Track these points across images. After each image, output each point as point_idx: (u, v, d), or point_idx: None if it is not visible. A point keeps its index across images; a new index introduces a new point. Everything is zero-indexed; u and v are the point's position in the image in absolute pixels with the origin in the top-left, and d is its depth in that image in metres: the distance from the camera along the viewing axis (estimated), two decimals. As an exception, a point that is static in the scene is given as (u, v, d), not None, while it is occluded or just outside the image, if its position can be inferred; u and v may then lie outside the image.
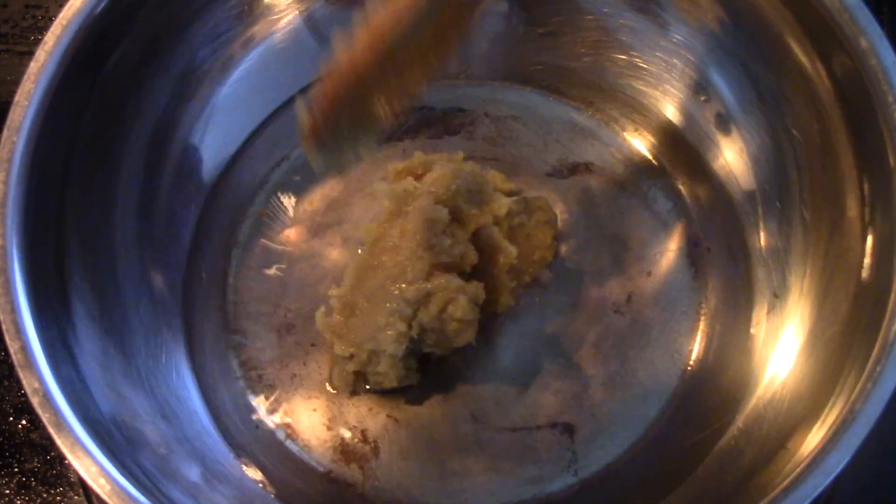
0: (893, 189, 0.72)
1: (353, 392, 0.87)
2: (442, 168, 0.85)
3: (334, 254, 0.93)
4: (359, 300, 0.81)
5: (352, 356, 0.82)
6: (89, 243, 0.80)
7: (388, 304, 0.79)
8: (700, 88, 0.93)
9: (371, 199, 0.95)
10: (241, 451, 0.85)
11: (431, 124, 0.99)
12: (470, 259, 0.82)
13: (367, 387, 0.86)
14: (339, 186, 0.96)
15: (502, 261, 0.83)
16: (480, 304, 0.82)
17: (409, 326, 0.80)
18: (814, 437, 0.69)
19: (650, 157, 0.98)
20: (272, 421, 0.88)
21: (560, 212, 0.94)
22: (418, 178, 0.89)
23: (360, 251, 0.85)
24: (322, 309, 0.85)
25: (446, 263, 0.81)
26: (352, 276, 0.82)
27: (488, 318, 0.87)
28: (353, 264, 0.84)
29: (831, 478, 0.66)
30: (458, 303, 0.80)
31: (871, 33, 0.73)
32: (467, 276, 0.83)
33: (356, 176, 0.97)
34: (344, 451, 0.86)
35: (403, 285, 0.80)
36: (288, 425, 0.87)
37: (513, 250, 0.83)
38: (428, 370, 0.87)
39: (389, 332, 0.79)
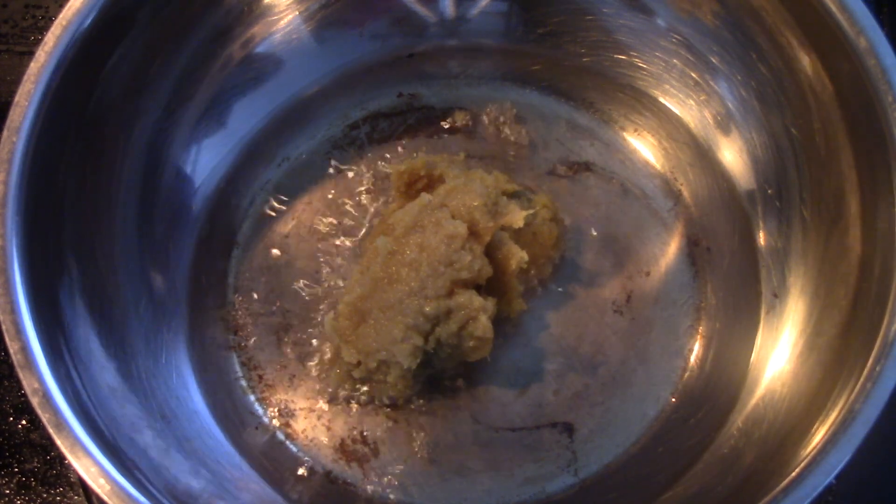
0: (893, 189, 0.72)
1: (348, 399, 0.87)
2: (454, 181, 0.85)
3: (334, 254, 0.93)
4: (372, 309, 0.81)
5: (359, 363, 0.82)
6: (89, 244, 0.80)
7: (406, 318, 0.79)
8: (700, 88, 0.93)
9: (371, 198, 0.95)
10: (240, 451, 0.85)
11: (431, 124, 0.99)
12: (486, 273, 0.82)
13: (366, 395, 0.87)
14: (338, 186, 0.96)
15: (514, 265, 0.83)
16: (493, 318, 0.83)
17: (426, 341, 0.80)
18: (813, 437, 0.69)
19: (650, 157, 0.98)
20: (272, 421, 0.88)
21: (560, 211, 0.94)
22: (419, 179, 0.89)
23: (366, 257, 0.85)
24: (332, 313, 0.85)
25: (465, 280, 0.81)
26: (362, 284, 0.82)
27: (501, 324, 0.87)
28: (359, 269, 0.84)
29: (831, 477, 0.66)
30: (479, 321, 0.80)
31: (871, 33, 0.73)
32: (480, 287, 0.83)
33: (355, 176, 0.97)
34: (344, 451, 0.86)
35: (423, 300, 0.80)
36: (288, 425, 0.88)
37: (524, 255, 0.83)
38: (431, 379, 0.87)
39: (405, 346, 0.79)
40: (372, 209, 0.95)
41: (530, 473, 0.86)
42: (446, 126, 0.99)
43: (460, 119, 0.98)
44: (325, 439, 0.87)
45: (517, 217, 0.83)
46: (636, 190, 0.96)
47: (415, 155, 0.96)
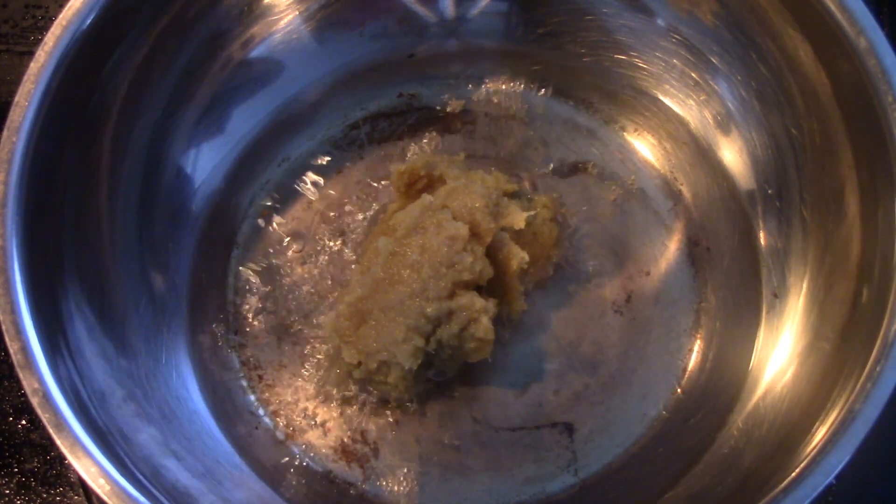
0: (893, 189, 0.72)
1: (348, 400, 0.88)
2: (456, 182, 0.85)
3: (334, 254, 0.93)
4: (373, 310, 0.81)
5: (359, 364, 0.82)
6: (89, 244, 0.80)
7: (407, 319, 0.79)
8: (700, 88, 0.93)
9: (371, 198, 0.96)
10: (240, 451, 0.85)
11: (431, 123, 0.99)
12: (487, 274, 0.82)
13: (366, 395, 0.87)
14: (338, 187, 0.96)
15: (514, 266, 0.83)
16: (493, 318, 0.83)
17: (427, 342, 0.80)
18: (813, 437, 0.69)
19: (650, 156, 0.98)
20: (272, 421, 0.88)
21: (560, 211, 0.94)
22: (419, 179, 0.89)
23: (366, 257, 0.85)
24: (332, 313, 0.85)
25: (466, 281, 0.81)
26: (362, 285, 0.82)
27: (501, 324, 0.87)
28: (360, 270, 0.84)
29: (831, 477, 0.66)
30: (480, 323, 0.80)
31: (871, 33, 0.73)
32: (481, 288, 0.83)
33: (355, 176, 0.97)
34: (344, 451, 0.86)
35: (425, 302, 0.80)
36: (288, 425, 0.88)
37: (525, 255, 0.83)
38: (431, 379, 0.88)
39: (406, 347, 0.79)
40: (372, 209, 0.95)
41: (530, 473, 0.86)
42: (446, 126, 0.99)
43: (455, 107, 0.98)
44: (325, 439, 0.87)
45: (518, 218, 0.83)
46: (636, 190, 0.96)
47: (415, 155, 0.96)
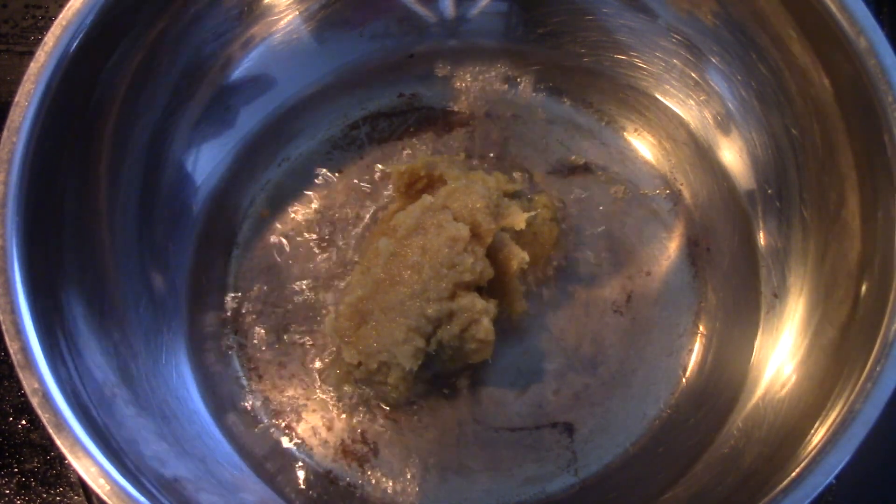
0: (893, 189, 0.72)
1: (348, 400, 0.88)
2: (456, 182, 0.85)
3: (334, 254, 0.93)
4: (373, 311, 0.81)
5: (360, 364, 0.82)
6: (89, 244, 0.80)
7: (407, 320, 0.79)
8: (700, 88, 0.93)
9: (371, 198, 0.96)
10: (240, 451, 0.85)
11: (431, 124, 0.99)
12: (488, 274, 0.82)
13: (367, 396, 0.87)
14: (338, 187, 0.96)
15: (515, 266, 0.83)
16: (494, 319, 0.83)
17: (427, 343, 0.80)
18: (813, 437, 0.69)
19: (650, 156, 0.98)
20: (272, 421, 0.88)
21: (560, 211, 0.94)
22: (420, 179, 0.89)
23: (367, 258, 0.85)
24: (333, 314, 0.85)
25: (467, 282, 0.81)
26: (363, 285, 0.82)
27: (501, 325, 0.87)
28: (360, 270, 0.84)
29: (831, 477, 0.66)
30: (481, 324, 0.80)
31: (871, 33, 0.73)
32: (481, 288, 0.83)
33: (355, 176, 0.97)
34: (344, 451, 0.86)
35: (425, 302, 0.80)
36: (288, 426, 0.88)
37: (525, 255, 0.83)
38: (431, 379, 0.87)
39: (406, 347, 0.79)
40: (372, 210, 0.95)
41: (530, 473, 0.86)
42: (446, 126, 0.99)
43: (456, 107, 0.98)
44: (325, 439, 0.87)
45: (519, 219, 0.83)
46: (636, 190, 0.96)
47: (415, 155, 0.96)
